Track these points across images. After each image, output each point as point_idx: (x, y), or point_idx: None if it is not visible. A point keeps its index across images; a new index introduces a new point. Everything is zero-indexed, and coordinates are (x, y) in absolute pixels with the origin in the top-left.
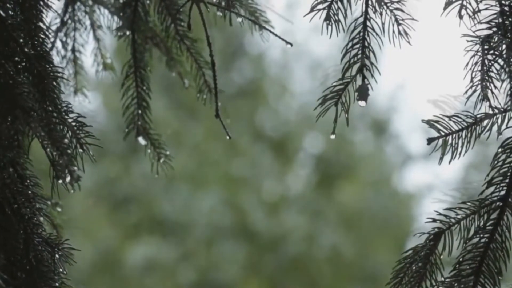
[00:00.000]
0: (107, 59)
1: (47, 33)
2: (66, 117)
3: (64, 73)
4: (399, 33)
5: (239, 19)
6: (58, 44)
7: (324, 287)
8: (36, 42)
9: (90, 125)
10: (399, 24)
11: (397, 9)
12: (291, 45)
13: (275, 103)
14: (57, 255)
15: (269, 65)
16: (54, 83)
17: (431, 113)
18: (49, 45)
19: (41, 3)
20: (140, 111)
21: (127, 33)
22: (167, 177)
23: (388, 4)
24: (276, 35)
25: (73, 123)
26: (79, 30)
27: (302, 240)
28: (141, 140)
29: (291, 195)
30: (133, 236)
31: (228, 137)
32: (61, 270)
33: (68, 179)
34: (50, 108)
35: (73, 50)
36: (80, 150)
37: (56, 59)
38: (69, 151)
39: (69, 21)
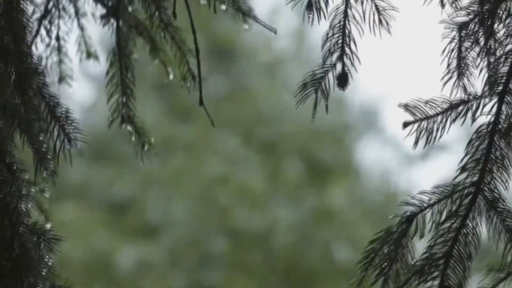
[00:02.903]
0: (91, 48)
1: (29, 23)
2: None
3: (41, 66)
4: (380, 22)
5: (223, 7)
6: (43, 32)
7: (316, 286)
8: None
9: (78, 119)
10: (380, 14)
11: None
12: (275, 32)
13: (265, 104)
14: (42, 244)
15: (258, 67)
16: (37, 77)
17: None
18: (33, 33)
19: None
20: (124, 99)
21: (112, 20)
22: (159, 181)
23: None
24: (260, 23)
25: (61, 117)
26: (63, 18)
27: (294, 238)
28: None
29: (282, 193)
30: (125, 238)
31: (212, 125)
32: (47, 259)
33: (44, 174)
34: (30, 105)
35: (58, 38)
36: (68, 146)
37: (40, 47)
38: (44, 148)
39: (53, 9)
